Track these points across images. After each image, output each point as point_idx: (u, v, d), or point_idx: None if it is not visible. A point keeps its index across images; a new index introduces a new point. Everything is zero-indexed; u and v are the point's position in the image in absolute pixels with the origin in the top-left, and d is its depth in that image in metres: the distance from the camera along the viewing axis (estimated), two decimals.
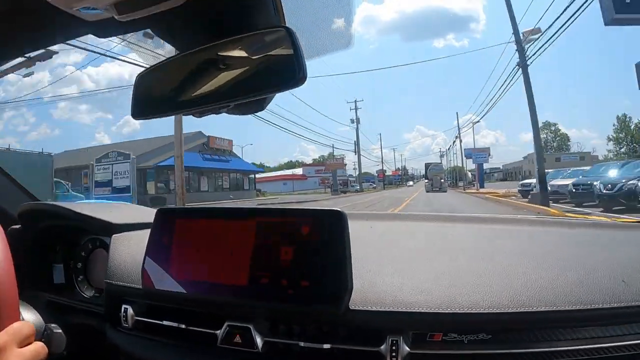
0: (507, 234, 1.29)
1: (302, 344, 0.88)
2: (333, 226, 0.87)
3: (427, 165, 55.98)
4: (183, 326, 0.98)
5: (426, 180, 52.83)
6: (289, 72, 0.77)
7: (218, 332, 0.94)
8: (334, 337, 0.88)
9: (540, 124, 18.92)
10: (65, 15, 0.80)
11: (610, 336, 0.83)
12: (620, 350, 0.82)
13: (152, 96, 0.95)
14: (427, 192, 41.38)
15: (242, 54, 0.82)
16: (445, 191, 42.10)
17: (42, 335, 0.98)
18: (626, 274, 0.88)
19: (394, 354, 0.83)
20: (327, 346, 0.86)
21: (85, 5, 0.75)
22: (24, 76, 15.87)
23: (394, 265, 0.97)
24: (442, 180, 48.47)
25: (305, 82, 0.76)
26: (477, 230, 1.35)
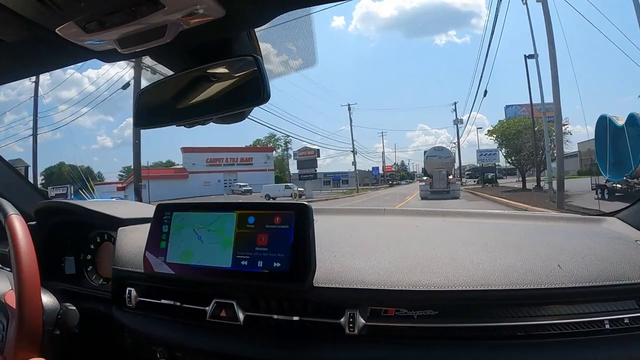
0: (465, 225, 1.44)
1: (275, 316, 1.04)
2: (300, 217, 1.04)
3: (425, 154, 30.52)
4: (178, 304, 1.14)
5: (423, 178, 29.61)
6: (256, 92, 0.95)
7: (207, 308, 1.10)
8: (303, 311, 1.03)
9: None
10: (74, 45, 0.98)
11: (542, 315, 0.97)
12: (551, 329, 0.95)
13: (150, 109, 1.14)
14: (423, 198, 24.12)
15: (221, 76, 1.02)
16: (457, 197, 23.33)
17: (58, 312, 1.15)
18: (561, 260, 1.01)
19: (351, 325, 0.99)
20: (296, 318, 1.02)
21: (92, 40, 0.93)
22: None
23: (357, 251, 1.13)
24: (450, 177, 27.12)
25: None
26: (434, 222, 1.51)
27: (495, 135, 31.55)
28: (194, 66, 1.03)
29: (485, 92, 28.62)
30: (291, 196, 33.74)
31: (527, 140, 26.77)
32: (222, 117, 1.06)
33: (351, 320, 0.99)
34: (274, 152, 63.11)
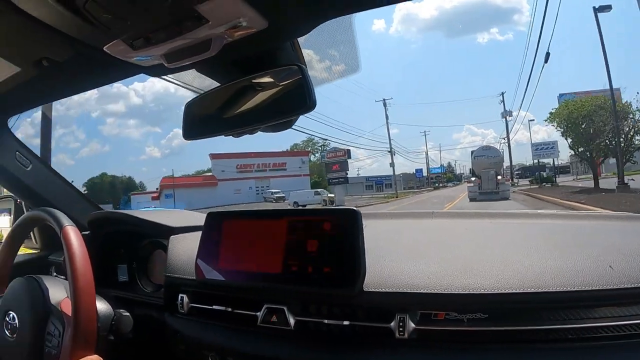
0: (513, 227, 1.41)
1: (326, 321, 1.04)
2: (349, 222, 1.04)
3: (473, 154, 29.51)
4: (229, 309, 1.16)
5: (471, 179, 27.71)
6: (302, 100, 0.97)
7: (258, 313, 1.12)
8: (353, 316, 1.04)
9: None
10: (122, 62, 1.02)
11: (594, 318, 0.94)
12: (602, 331, 0.92)
13: (199, 120, 1.18)
14: (471, 200, 23.92)
15: (267, 85, 1.05)
16: (507, 197, 22.69)
17: (112, 318, 1.20)
18: (614, 260, 0.98)
19: (401, 329, 0.99)
20: (346, 323, 1.02)
21: (139, 56, 0.96)
22: None
23: (405, 255, 1.12)
24: (499, 177, 25.63)
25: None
26: (482, 224, 1.49)
27: (557, 121, 24.38)
28: (240, 77, 1.06)
29: (547, 55, 23.49)
30: (321, 203, 32.98)
31: (604, 123, 20.79)
32: (270, 126, 1.08)
33: (401, 324, 0.99)
34: (312, 156, 61.43)
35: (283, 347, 1.09)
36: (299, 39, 1.05)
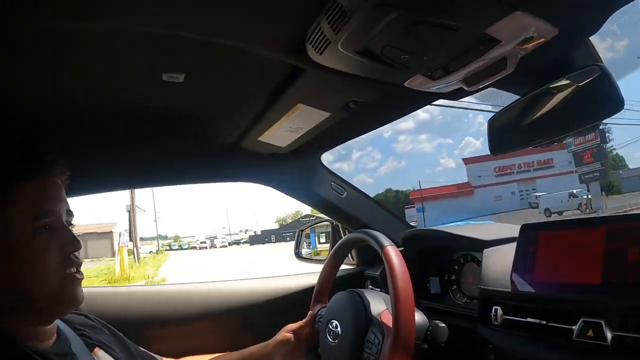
0: None
1: None
2: None
3: None
4: (544, 322, 1.12)
5: None
6: (607, 101, 0.94)
7: (573, 327, 1.05)
8: None
9: None
10: (421, 92, 1.11)
11: None
12: None
13: (503, 134, 1.23)
14: None
15: (567, 91, 1.02)
16: None
17: (427, 329, 1.28)
18: None
19: None
20: None
21: (438, 85, 1.04)
22: None
23: None
24: None
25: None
26: None
27: None
28: (538, 87, 1.06)
29: None
30: (579, 208, 27.38)
31: None
32: (576, 132, 1.05)
33: None
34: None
35: None
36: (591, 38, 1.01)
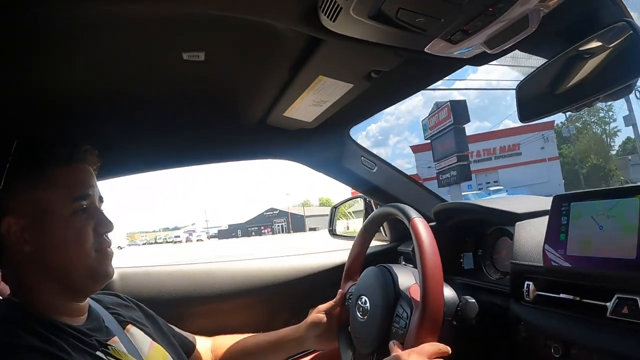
0: None
1: None
2: None
3: None
4: (577, 299, 1.08)
5: None
6: (638, 59, 0.87)
7: (608, 303, 1.00)
8: None
9: None
10: (445, 58, 1.06)
11: None
12: None
13: (532, 100, 1.17)
14: None
15: (596, 51, 0.96)
16: None
17: (457, 305, 1.26)
18: None
19: None
20: None
21: (460, 49, 0.99)
22: None
23: None
24: None
25: None
26: None
27: None
28: (566, 48, 1.00)
29: None
30: None
31: None
32: (609, 95, 0.98)
33: None
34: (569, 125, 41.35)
35: (634, 342, 0.95)
36: None
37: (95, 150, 1.11)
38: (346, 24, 0.93)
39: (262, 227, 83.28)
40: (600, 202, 1.07)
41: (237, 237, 80.00)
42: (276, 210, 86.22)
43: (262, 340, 1.49)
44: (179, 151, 1.83)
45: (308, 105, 1.52)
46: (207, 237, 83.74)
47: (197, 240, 74.82)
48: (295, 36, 1.10)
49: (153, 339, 1.20)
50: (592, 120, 50.55)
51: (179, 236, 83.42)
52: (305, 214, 77.71)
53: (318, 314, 1.46)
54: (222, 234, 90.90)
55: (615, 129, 50.07)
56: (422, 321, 1.11)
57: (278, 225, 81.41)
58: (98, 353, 0.97)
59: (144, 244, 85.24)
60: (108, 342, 1.04)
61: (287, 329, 1.50)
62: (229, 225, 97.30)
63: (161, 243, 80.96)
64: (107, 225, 1.06)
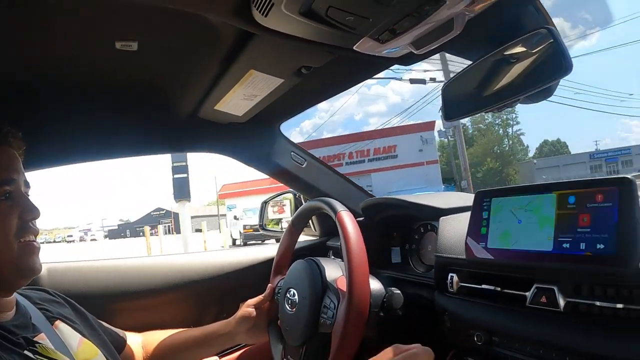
0: None
1: (598, 303, 0.93)
2: (624, 193, 0.91)
3: None
4: (498, 289, 1.13)
5: None
6: (557, 64, 0.93)
7: (527, 293, 1.06)
8: (629, 298, 0.90)
9: None
10: (373, 57, 1.08)
11: None
12: None
13: (457, 100, 1.23)
14: None
15: (519, 55, 1.01)
16: None
17: (384, 296, 1.30)
18: None
19: None
20: (620, 306, 0.90)
21: (388, 48, 1.01)
22: None
23: None
24: None
25: None
26: None
27: None
28: (490, 51, 1.06)
29: None
30: None
31: None
32: (529, 97, 1.04)
33: None
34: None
35: (551, 330, 1.01)
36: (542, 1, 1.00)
37: (17, 131, 1.05)
38: (278, 19, 0.93)
39: (151, 228, 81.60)
40: (519, 198, 1.13)
41: (126, 237, 77.18)
42: (163, 210, 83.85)
43: (193, 336, 1.47)
44: (108, 142, 1.75)
45: (239, 99, 1.51)
46: (103, 237, 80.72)
47: (92, 240, 71.09)
48: (228, 29, 1.10)
49: (83, 335, 1.15)
50: (497, 122, 52.07)
51: (71, 235, 78.80)
52: (190, 215, 75.87)
53: (248, 308, 1.46)
54: (112, 234, 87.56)
55: (519, 132, 52.05)
56: (349, 311, 1.13)
57: (165, 226, 79.99)
58: (26, 352, 0.93)
59: (42, 242, 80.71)
60: (35, 339, 0.99)
61: (217, 323, 1.49)
62: (118, 225, 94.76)
63: (59, 242, 76.38)
64: (33, 211, 1.00)
